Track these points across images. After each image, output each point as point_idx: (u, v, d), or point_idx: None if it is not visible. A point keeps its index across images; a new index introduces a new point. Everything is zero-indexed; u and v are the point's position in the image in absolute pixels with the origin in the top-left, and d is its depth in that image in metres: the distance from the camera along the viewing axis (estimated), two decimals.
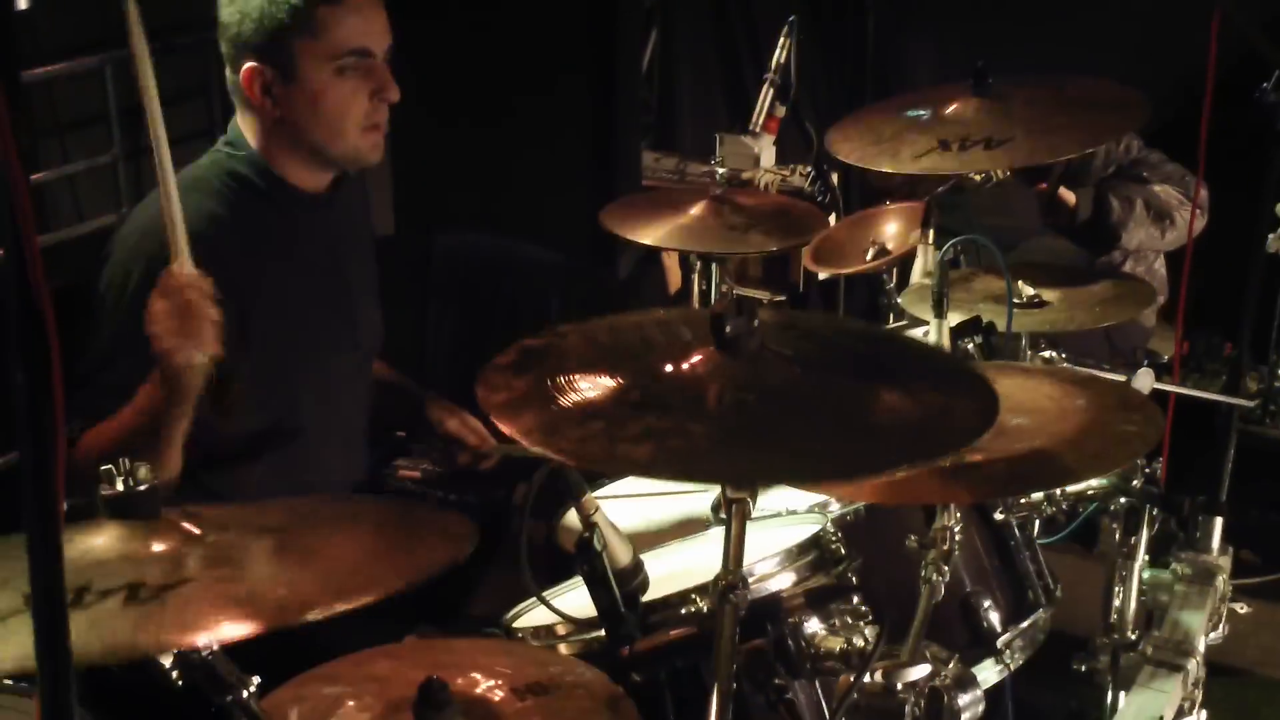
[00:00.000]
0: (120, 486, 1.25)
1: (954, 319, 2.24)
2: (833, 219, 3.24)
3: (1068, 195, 3.74)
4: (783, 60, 3.55)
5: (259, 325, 2.20)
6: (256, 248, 2.23)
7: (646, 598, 1.71)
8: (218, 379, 1.92)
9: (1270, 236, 2.77)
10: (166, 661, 1.19)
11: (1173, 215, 3.75)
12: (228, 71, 2.22)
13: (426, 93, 2.46)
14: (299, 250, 2.32)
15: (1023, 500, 2.13)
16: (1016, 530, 2.12)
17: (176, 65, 3.05)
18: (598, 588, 1.65)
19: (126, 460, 1.26)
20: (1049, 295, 2.61)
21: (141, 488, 1.26)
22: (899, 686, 1.65)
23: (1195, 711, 2.27)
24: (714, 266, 2.99)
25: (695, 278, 3.02)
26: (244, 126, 2.25)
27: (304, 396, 2.33)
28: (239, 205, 2.23)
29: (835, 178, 3.32)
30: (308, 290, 2.33)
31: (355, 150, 2.23)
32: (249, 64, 2.16)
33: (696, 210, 2.85)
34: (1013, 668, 2.02)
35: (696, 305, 2.97)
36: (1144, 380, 2.52)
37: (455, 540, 1.41)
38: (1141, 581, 2.25)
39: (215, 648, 1.19)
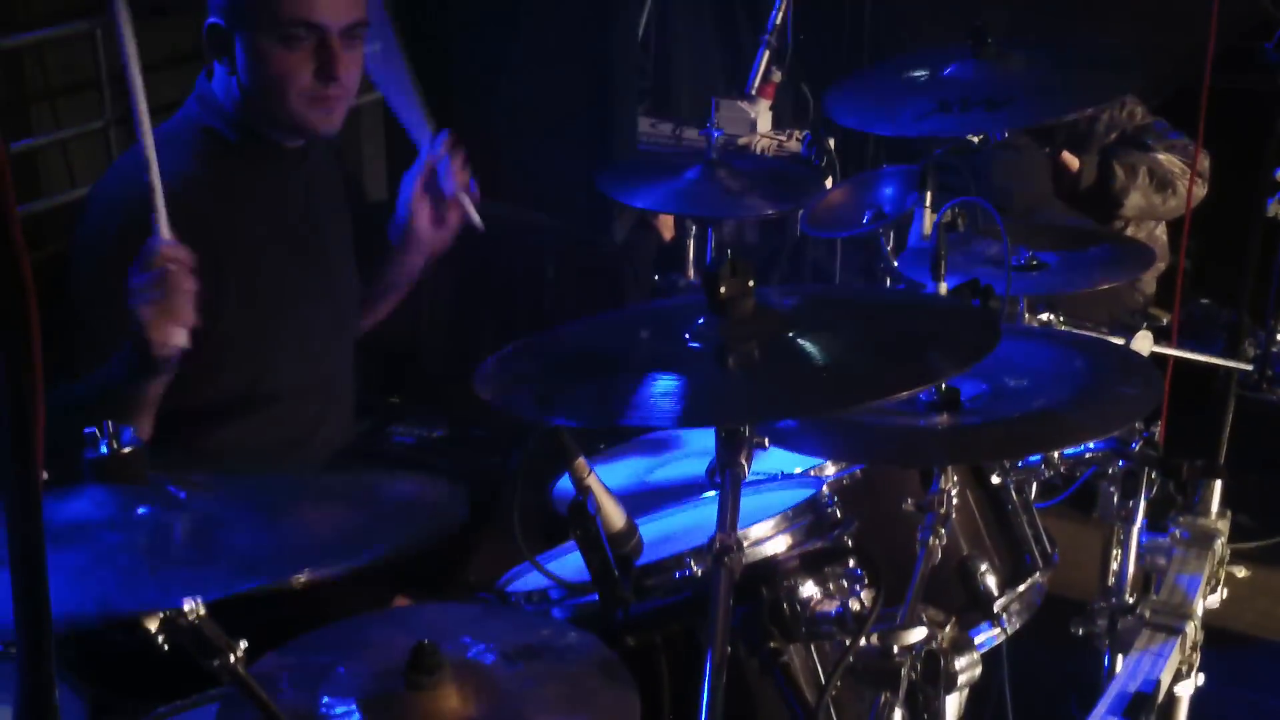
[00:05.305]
0: (104, 450, 1.24)
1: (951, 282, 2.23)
2: (829, 183, 3.22)
3: (1070, 160, 3.71)
4: (780, 23, 3.53)
5: (235, 280, 2.19)
6: (231, 202, 2.22)
7: (640, 561, 1.69)
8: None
9: (1271, 201, 2.75)
10: (153, 626, 1.17)
11: (1175, 184, 3.71)
12: None
13: (419, 58, 2.43)
14: (274, 203, 2.30)
15: (1020, 463, 2.12)
16: (1014, 493, 2.11)
17: (170, 30, 3.03)
18: (591, 552, 1.63)
19: (110, 423, 1.24)
20: (1048, 258, 2.59)
21: (126, 450, 1.24)
22: (895, 650, 1.64)
23: (1193, 675, 2.27)
24: (710, 230, 2.97)
25: (690, 242, 3.00)
26: (215, 84, 2.23)
27: (281, 352, 2.31)
28: (212, 160, 2.22)
29: (831, 142, 3.30)
30: (283, 244, 2.31)
31: (300, 119, 2.19)
32: (210, 20, 2.16)
33: (692, 174, 2.84)
34: (1010, 631, 2.01)
35: (691, 270, 2.96)
36: (1143, 343, 2.51)
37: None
38: (1140, 545, 2.24)
39: (202, 612, 1.17)
